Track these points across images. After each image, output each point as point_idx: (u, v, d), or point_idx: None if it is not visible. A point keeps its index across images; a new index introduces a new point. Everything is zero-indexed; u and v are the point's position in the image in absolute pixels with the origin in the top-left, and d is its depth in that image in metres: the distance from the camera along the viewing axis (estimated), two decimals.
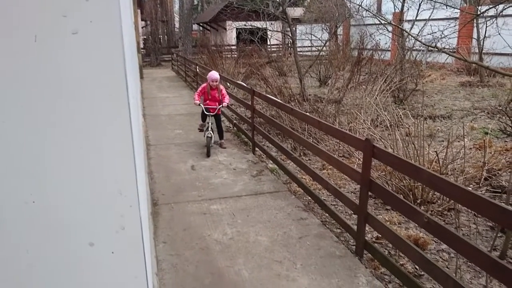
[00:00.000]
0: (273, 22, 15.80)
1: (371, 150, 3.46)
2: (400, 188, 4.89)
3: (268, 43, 24.61)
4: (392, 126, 6.26)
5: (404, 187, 4.87)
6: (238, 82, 8.88)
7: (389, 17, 17.71)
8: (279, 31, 16.24)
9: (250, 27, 16.21)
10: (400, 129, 6.73)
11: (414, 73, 12.07)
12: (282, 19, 13.32)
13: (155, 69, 23.85)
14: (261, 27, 15.63)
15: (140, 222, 1.21)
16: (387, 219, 4.50)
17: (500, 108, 8.70)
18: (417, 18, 13.18)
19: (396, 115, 7.36)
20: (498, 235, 3.92)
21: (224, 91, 7.02)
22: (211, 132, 6.76)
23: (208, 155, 6.66)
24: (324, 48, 15.32)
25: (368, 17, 13.17)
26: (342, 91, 9.54)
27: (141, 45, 24.67)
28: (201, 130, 7.37)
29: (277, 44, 26.31)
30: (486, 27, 12.93)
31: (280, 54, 22.99)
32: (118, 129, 1.14)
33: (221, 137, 7.27)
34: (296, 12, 28.34)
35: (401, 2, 12.70)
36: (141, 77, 17.29)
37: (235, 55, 20.74)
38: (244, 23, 16.79)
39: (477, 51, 14.61)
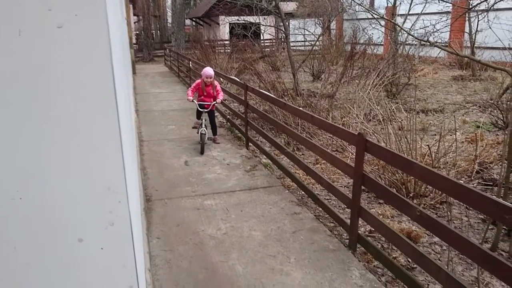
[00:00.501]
0: (266, 16, 15.76)
1: (364, 144, 3.47)
2: (393, 182, 4.91)
3: (261, 38, 24.55)
4: (385, 120, 6.28)
5: (397, 181, 4.89)
6: (231, 77, 8.84)
7: (382, 11, 17.72)
8: (272, 26, 16.20)
9: (243, 21, 16.17)
10: (392, 123, 6.76)
11: (406, 67, 12.11)
12: (275, 14, 13.28)
13: (148, 65, 23.71)
14: (254, 22, 15.58)
15: (130, 218, 1.21)
16: (380, 212, 4.52)
17: (492, 101, 8.76)
18: (410, 13, 13.22)
19: (389, 109, 7.38)
20: (490, 227, 3.95)
21: (218, 87, 6.95)
22: (205, 128, 6.69)
23: (202, 152, 6.61)
24: (317, 42, 15.30)
25: (361, 11, 13.18)
26: (335, 85, 9.55)
27: (134, 41, 24.49)
28: (195, 128, 7.27)
29: (270, 39, 26.24)
30: (478, 21, 12.98)
31: (273, 49, 22.94)
32: (105, 125, 1.13)
33: (214, 132, 7.23)
34: (289, 6, 28.24)
35: None
36: (134, 72, 17.18)
37: (228, 50, 20.67)
38: (237, 18, 16.74)
39: (469, 45, 14.68)
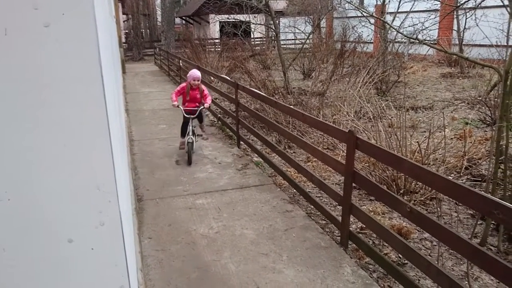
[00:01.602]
0: (256, 15, 15.75)
1: (354, 142, 3.49)
2: (384, 179, 4.95)
3: (252, 36, 24.52)
4: (375, 118, 6.32)
5: (387, 178, 4.93)
6: (222, 76, 8.83)
7: (371, 9, 17.79)
8: (262, 24, 16.20)
9: (233, 20, 16.13)
10: (383, 121, 6.80)
11: (396, 65, 12.19)
12: (265, 12, 13.28)
13: (138, 64, 23.55)
14: (244, 20, 15.56)
15: (120, 218, 1.20)
16: (371, 209, 4.56)
17: (480, 98, 8.86)
18: (399, 10, 13.31)
19: (379, 106, 7.43)
20: (478, 222, 4.01)
21: (206, 91, 6.40)
22: (192, 137, 6.15)
23: (189, 163, 6.03)
24: (308, 41, 15.34)
25: (351, 9, 13.25)
26: (325, 83, 9.58)
27: (123, 40, 24.31)
28: (182, 149, 6.41)
29: (260, 37, 26.23)
30: (466, 19, 13.13)
31: (263, 47, 22.94)
32: (94, 125, 1.12)
33: (201, 125, 6.69)
34: (279, 4, 28.26)
35: None
36: (123, 71, 17.05)
37: (219, 49, 20.61)
38: (227, 16, 16.70)
39: (457, 42, 14.82)
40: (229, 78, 8.21)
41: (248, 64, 13.47)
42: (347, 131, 3.62)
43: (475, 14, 9.89)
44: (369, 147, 3.46)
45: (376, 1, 15.73)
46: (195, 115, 6.21)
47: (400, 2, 13.64)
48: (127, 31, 29.81)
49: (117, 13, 9.13)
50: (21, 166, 1.09)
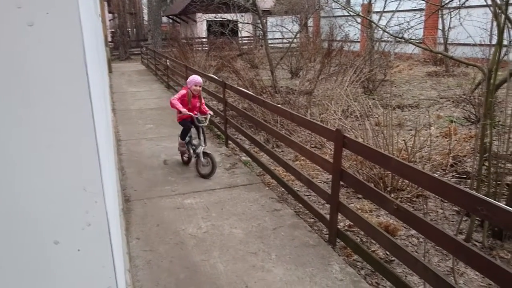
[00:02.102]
0: (243, 14, 15.73)
1: (341, 140, 3.51)
2: (371, 177, 4.99)
3: (239, 35, 24.49)
4: (362, 116, 6.38)
5: (374, 176, 4.98)
6: (209, 75, 8.80)
7: (358, 8, 17.93)
8: (249, 23, 16.18)
9: (221, 19, 16.08)
10: (370, 119, 6.86)
11: (382, 63, 12.31)
12: (252, 11, 13.27)
13: (124, 63, 23.34)
14: (231, 19, 15.54)
15: (107, 218, 1.19)
16: (358, 207, 4.60)
17: (465, 97, 9.00)
18: (385, 10, 13.44)
19: (366, 105, 7.49)
20: (464, 219, 4.07)
21: (202, 100, 5.94)
22: (203, 143, 5.57)
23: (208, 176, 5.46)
24: (295, 40, 15.38)
25: (337, 9, 13.34)
26: (313, 82, 9.62)
27: (109, 39, 24.04)
28: (183, 153, 6.01)
29: (248, 37, 26.20)
30: (451, 18, 13.30)
31: (251, 46, 22.93)
32: (80, 124, 1.11)
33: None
34: (266, 4, 28.28)
35: None
36: (110, 71, 16.87)
37: (206, 48, 20.54)
38: (214, 15, 16.65)
39: (442, 41, 15.03)
40: (216, 78, 8.19)
41: (236, 63, 13.46)
42: (334, 129, 3.65)
43: (459, 14, 10.03)
44: (356, 146, 3.49)
45: (363, 1, 15.86)
46: (206, 123, 5.69)
47: (386, 1, 13.78)
48: (113, 30, 29.45)
49: (102, 12, 9.02)
50: (5, 167, 1.08)
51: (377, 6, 15.67)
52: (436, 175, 2.96)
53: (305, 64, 13.93)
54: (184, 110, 5.40)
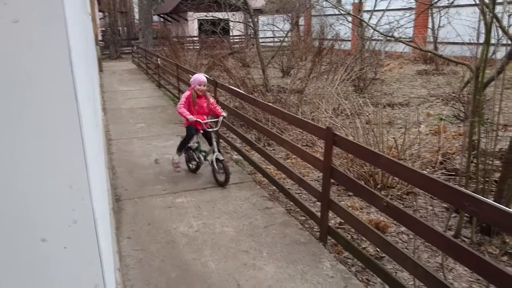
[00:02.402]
0: (234, 13, 15.69)
1: (332, 138, 3.53)
2: (361, 175, 5.03)
3: (231, 34, 24.42)
4: (352, 115, 6.41)
5: (365, 173, 5.01)
6: (200, 74, 8.77)
7: (349, 7, 18.01)
8: (241, 22, 16.16)
9: (212, 18, 16.02)
10: (360, 117, 6.90)
11: (373, 62, 12.38)
12: (244, 10, 13.26)
13: (115, 62, 23.16)
14: (222, 18, 15.50)
15: (94, 216, 1.19)
16: (349, 204, 4.62)
17: (454, 95, 9.09)
18: (375, 9, 13.51)
19: (357, 103, 7.53)
20: (453, 215, 4.12)
21: (212, 98, 5.40)
22: (218, 152, 5.10)
23: (225, 181, 5.07)
24: (286, 39, 15.40)
25: (328, 7, 13.39)
26: (304, 81, 9.65)
27: (100, 37, 23.81)
28: (178, 171, 5.48)
29: (239, 35, 26.15)
30: (440, 17, 13.42)
31: (242, 45, 22.90)
32: (65, 122, 1.11)
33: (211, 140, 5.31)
34: (257, 2, 28.25)
35: None
36: (100, 70, 16.73)
37: (197, 47, 20.46)
38: (205, 14, 16.58)
39: (432, 40, 15.15)
40: (208, 76, 8.16)
41: (227, 62, 13.44)
42: (324, 128, 3.67)
43: (448, 13, 10.13)
44: (346, 143, 3.51)
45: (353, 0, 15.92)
46: (216, 127, 5.19)
47: (376, 0, 13.84)
48: (103, 29, 29.17)
49: (93, 11, 8.93)
50: None
51: (368, 5, 15.76)
52: (425, 172, 2.99)
53: (296, 63, 13.95)
54: (191, 117, 4.98)
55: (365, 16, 14.65)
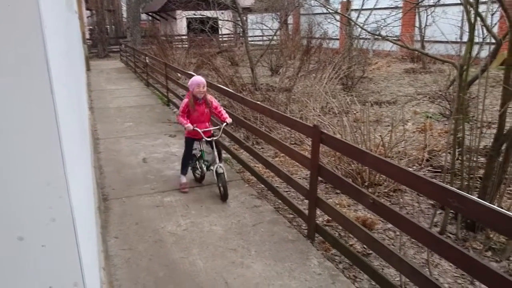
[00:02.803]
0: (223, 11, 15.64)
1: (319, 136, 3.55)
2: (349, 172, 5.06)
3: (219, 32, 24.37)
4: (340, 113, 6.45)
5: (352, 171, 5.05)
6: (189, 72, 8.74)
7: (337, 6, 18.08)
8: (229, 21, 16.13)
9: (200, 16, 15.94)
10: (348, 116, 6.94)
11: (361, 60, 12.45)
12: (232, 8, 13.22)
13: (103, 61, 22.94)
14: (211, 16, 15.46)
15: (72, 214, 1.18)
16: (337, 202, 4.65)
17: (440, 93, 9.20)
18: (363, 8, 13.58)
19: (345, 102, 7.58)
20: (438, 212, 4.17)
21: (215, 102, 4.90)
22: (220, 163, 4.73)
23: (225, 198, 4.69)
24: (275, 37, 15.42)
25: (317, 6, 13.44)
26: (292, 79, 9.68)
27: (87, 36, 23.51)
28: (185, 192, 4.97)
29: (228, 34, 26.10)
30: (427, 16, 13.55)
31: (231, 44, 22.84)
32: (41, 120, 1.10)
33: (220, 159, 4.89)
34: (246, 1, 28.23)
35: None
36: (88, 69, 16.56)
37: (186, 45, 20.36)
38: (193, 12, 16.48)
39: (419, 39, 15.30)
40: (196, 75, 8.11)
41: (216, 60, 13.41)
42: (312, 126, 3.68)
43: (434, 11, 10.23)
44: (333, 141, 3.53)
45: None
46: (217, 136, 4.88)
47: None
48: (91, 27, 28.83)
49: (80, 9, 8.79)
50: None
51: (356, 4, 15.83)
52: (411, 169, 3.02)
53: (285, 61, 13.98)
54: (188, 125, 4.64)
55: (353, 15, 14.73)
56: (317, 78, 9.30)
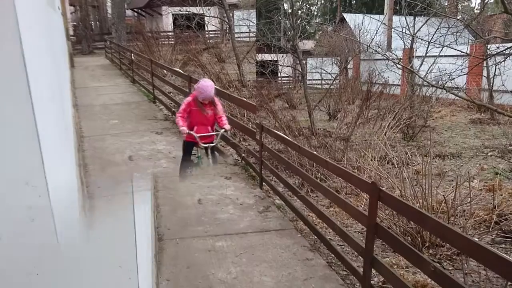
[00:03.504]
0: (209, 7, 15.37)
1: (377, 194, 3.44)
2: (408, 231, 4.81)
3: (206, 29, 23.70)
4: (399, 165, 6.23)
5: (411, 229, 4.79)
6: (175, 69, 8.72)
7: (399, 53, 17.89)
8: (216, 17, 15.89)
9: (186, 12, 15.82)
10: (408, 167, 6.68)
11: (423, 109, 12.08)
12: (218, 5, 13.03)
13: (88, 57, 22.77)
14: (197, 12, 15.31)
15: (52, 213, 1.16)
16: (394, 262, 4.42)
17: (511, 147, 8.62)
18: (427, 55, 13.32)
19: (405, 153, 7.33)
20: (509, 283, 3.81)
21: (220, 106, 4.71)
22: (210, 158, 4.59)
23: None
24: (334, 82, 15.46)
25: (378, 52, 13.39)
26: (351, 127, 9.58)
27: (71, 32, 23.03)
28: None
29: (214, 30, 25.37)
30: (496, 65, 12.98)
31: (218, 40, 22.19)
32: (18, 119, 1.10)
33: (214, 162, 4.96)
34: (306, 45, 28.80)
35: (410, 40, 12.88)
36: (72, 65, 15.96)
37: (172, 42, 19.91)
38: (179, 8, 16.38)
39: (487, 87, 14.61)
40: (182, 72, 7.99)
41: (202, 57, 13.17)
42: (370, 181, 3.59)
43: (504, 62, 9.81)
44: (392, 201, 3.40)
45: (404, 45, 15.83)
46: (214, 143, 4.66)
47: (428, 47, 13.66)
48: (75, 23, 28.10)
49: (63, 5, 8.77)
50: None
51: (420, 51, 15.57)
52: (477, 238, 2.82)
53: (344, 106, 13.92)
54: (183, 128, 4.34)
55: (416, 62, 14.46)
56: (377, 127, 9.13)
